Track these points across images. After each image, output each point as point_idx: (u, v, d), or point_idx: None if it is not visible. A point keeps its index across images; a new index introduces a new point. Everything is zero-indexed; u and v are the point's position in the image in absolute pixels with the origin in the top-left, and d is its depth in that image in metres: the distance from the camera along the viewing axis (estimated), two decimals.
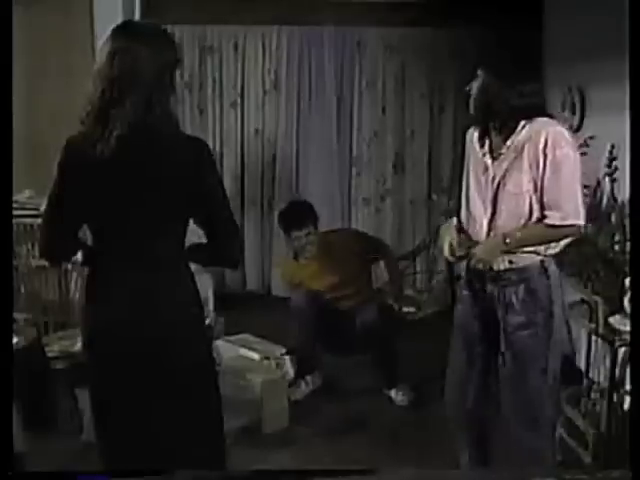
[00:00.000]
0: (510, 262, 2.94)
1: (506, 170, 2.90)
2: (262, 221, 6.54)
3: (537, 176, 2.83)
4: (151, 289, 2.41)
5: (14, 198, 4.20)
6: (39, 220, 4.51)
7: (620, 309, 3.56)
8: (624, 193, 4.01)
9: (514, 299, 2.94)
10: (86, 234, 2.50)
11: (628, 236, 3.83)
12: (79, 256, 2.52)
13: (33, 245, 4.71)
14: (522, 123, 2.87)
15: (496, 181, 2.93)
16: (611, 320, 3.52)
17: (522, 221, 2.88)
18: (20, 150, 4.02)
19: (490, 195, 2.96)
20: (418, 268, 6.35)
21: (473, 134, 3.07)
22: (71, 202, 2.39)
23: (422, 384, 4.67)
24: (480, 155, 3.02)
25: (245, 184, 6.49)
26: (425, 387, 4.65)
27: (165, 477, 2.34)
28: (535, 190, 2.85)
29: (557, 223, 2.82)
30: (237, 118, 6.45)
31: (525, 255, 2.92)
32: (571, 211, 2.81)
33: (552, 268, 2.94)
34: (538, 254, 2.92)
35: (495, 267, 2.97)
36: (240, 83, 6.40)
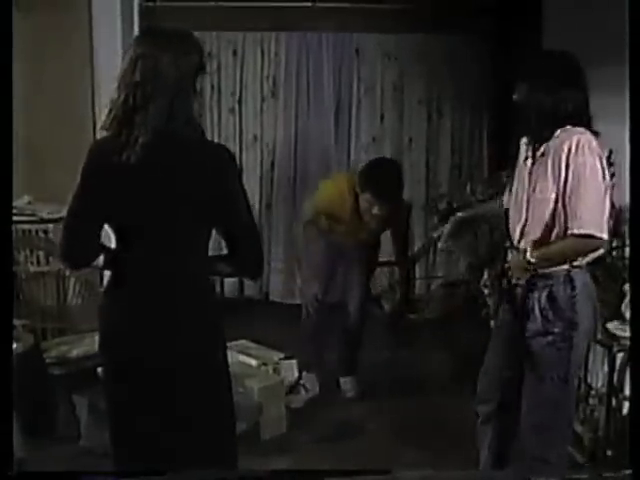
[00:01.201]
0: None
1: (537, 175, 2.89)
2: (260, 227, 6.53)
3: (560, 184, 2.80)
4: (172, 294, 2.42)
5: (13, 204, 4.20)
6: (37, 226, 4.59)
7: (618, 315, 3.56)
8: (622, 199, 4.01)
9: (536, 305, 2.91)
10: (108, 238, 2.51)
11: (627, 242, 3.83)
12: (100, 260, 2.51)
13: (32, 251, 4.70)
14: (558, 131, 2.86)
15: (531, 186, 2.92)
16: (609, 326, 3.52)
17: (547, 229, 2.86)
18: (18, 156, 4.03)
19: (525, 200, 2.94)
20: (417, 274, 6.35)
21: (523, 139, 3.06)
22: (94, 207, 2.38)
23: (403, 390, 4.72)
24: (523, 159, 3.01)
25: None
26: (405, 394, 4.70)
27: (172, 477, 2.33)
28: (557, 198, 2.82)
29: (576, 232, 2.75)
30: (235, 124, 6.46)
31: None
32: (591, 221, 2.74)
33: (581, 278, 2.89)
34: (564, 262, 2.87)
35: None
36: (238, 89, 6.42)
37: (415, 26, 6.11)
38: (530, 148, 2.96)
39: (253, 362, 4.53)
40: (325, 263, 4.69)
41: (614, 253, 3.86)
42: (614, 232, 3.90)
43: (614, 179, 4.09)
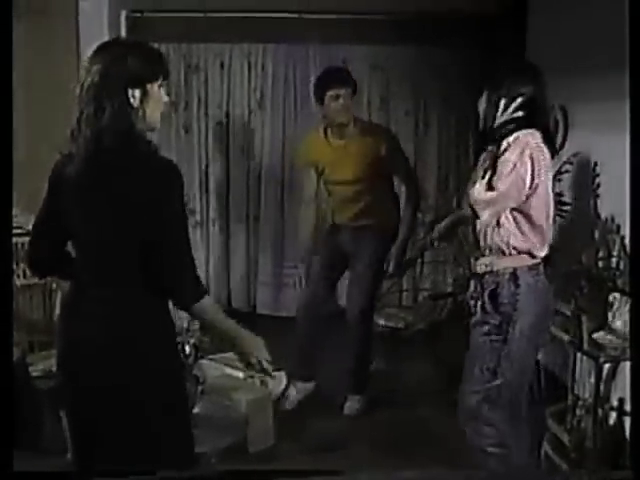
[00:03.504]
0: (486, 265, 3.07)
1: None
2: (248, 239, 6.53)
3: None
4: (118, 309, 2.42)
5: None
6: (23, 239, 4.56)
7: (604, 325, 3.57)
8: (607, 210, 4.04)
9: (480, 300, 3.08)
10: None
11: (614, 252, 3.85)
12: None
13: (17, 264, 4.68)
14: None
15: None
16: (595, 336, 3.53)
17: None
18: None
19: None
20: (405, 286, 6.35)
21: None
22: (50, 219, 2.48)
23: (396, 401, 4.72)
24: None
25: (231, 202, 6.49)
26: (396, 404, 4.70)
27: (161, 476, 2.33)
28: None
29: None
30: (223, 136, 6.45)
31: (500, 260, 3.04)
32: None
33: (526, 279, 3.02)
34: (513, 260, 3.02)
35: (475, 270, 3.13)
36: (226, 101, 6.42)
37: (403, 38, 6.12)
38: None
39: (240, 374, 4.51)
40: (322, 265, 4.67)
41: (600, 263, 3.88)
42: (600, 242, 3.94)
43: (600, 189, 4.13)
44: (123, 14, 5.73)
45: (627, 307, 3.45)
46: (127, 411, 2.44)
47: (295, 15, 6.08)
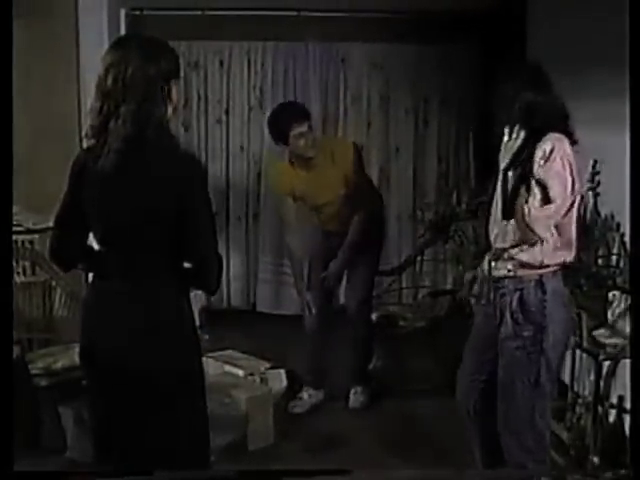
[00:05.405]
0: (508, 270, 2.97)
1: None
2: (247, 237, 6.53)
3: None
4: (140, 302, 2.46)
5: None
6: (22, 236, 4.57)
7: (604, 323, 3.57)
8: (607, 207, 4.04)
9: (507, 308, 2.97)
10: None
11: (613, 250, 3.85)
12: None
13: (17, 261, 4.68)
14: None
15: None
16: (595, 334, 3.53)
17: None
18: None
19: None
20: (404, 284, 6.35)
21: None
22: (74, 212, 2.50)
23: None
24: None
25: (230, 200, 6.49)
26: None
27: (159, 477, 2.34)
28: None
29: None
30: (222, 134, 6.45)
31: (524, 264, 2.94)
32: None
33: (553, 285, 2.95)
34: (537, 267, 2.93)
35: (495, 274, 3.02)
36: (225, 99, 6.42)
37: (401, 35, 6.12)
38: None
39: (240, 372, 4.52)
40: (319, 264, 4.67)
41: (599, 261, 3.88)
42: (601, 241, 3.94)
43: (600, 187, 4.12)
44: (122, 12, 5.73)
45: (627, 305, 3.45)
46: (149, 403, 2.47)
47: (294, 13, 6.09)
